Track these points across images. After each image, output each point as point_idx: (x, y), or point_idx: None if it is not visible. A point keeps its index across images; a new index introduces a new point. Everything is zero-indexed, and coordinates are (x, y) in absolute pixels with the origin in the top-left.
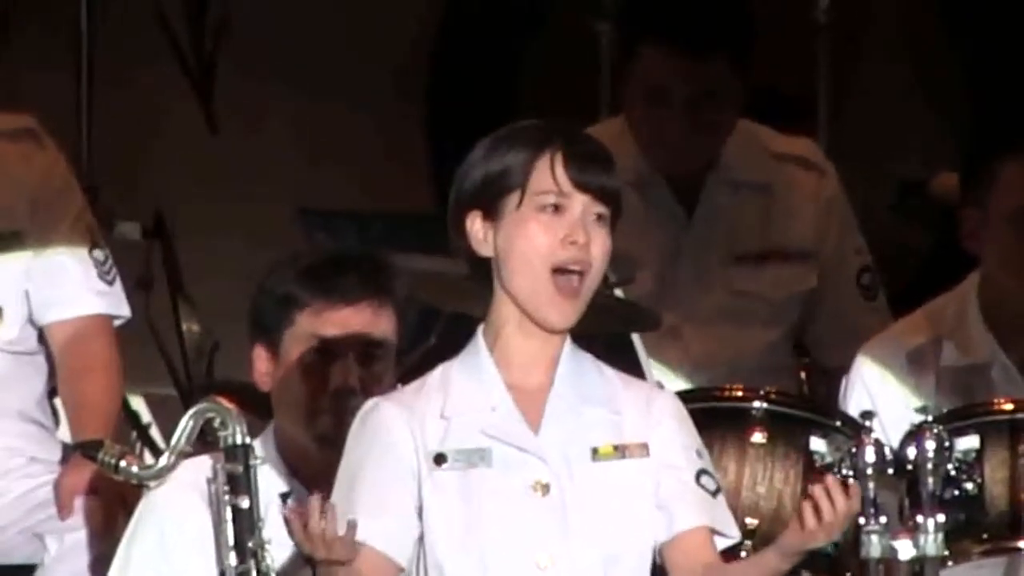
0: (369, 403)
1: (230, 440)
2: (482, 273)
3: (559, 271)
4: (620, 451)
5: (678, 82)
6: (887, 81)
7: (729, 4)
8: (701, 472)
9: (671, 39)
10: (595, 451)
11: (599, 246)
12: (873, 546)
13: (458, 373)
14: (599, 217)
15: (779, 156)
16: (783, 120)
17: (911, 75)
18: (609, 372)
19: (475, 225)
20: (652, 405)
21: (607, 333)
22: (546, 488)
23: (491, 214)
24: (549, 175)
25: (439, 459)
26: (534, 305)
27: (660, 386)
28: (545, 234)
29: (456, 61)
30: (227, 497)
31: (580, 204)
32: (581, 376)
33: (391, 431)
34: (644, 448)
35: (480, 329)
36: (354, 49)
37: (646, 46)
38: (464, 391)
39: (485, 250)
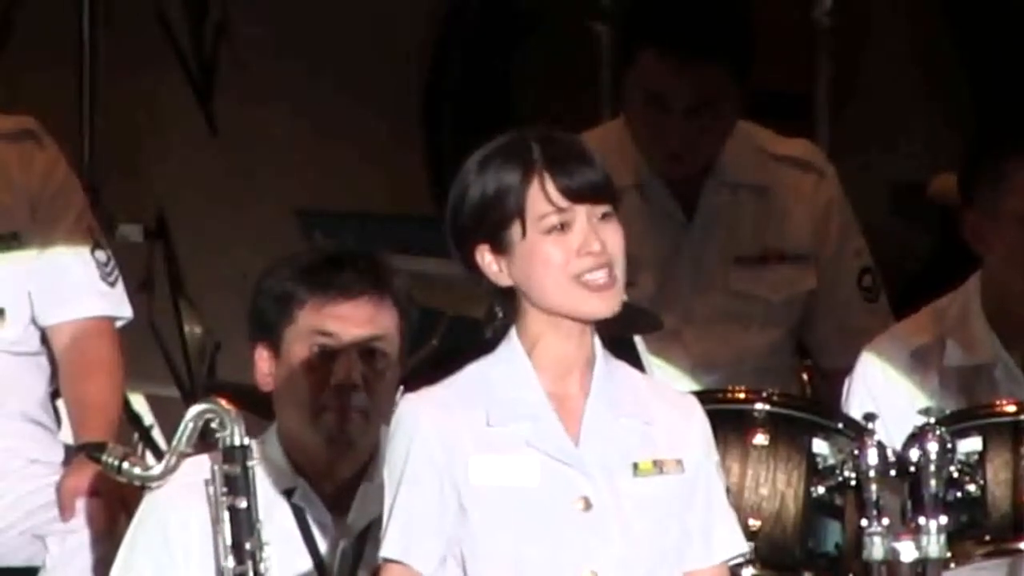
0: (403, 402)
1: (228, 441)
2: (508, 297)
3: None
4: (658, 467)
5: (677, 88)
6: (887, 81)
7: (728, 11)
8: (727, 490)
9: (670, 46)
10: (636, 466)
11: (614, 243)
12: (875, 548)
13: (496, 378)
14: (604, 216)
15: (778, 158)
16: (782, 121)
17: (912, 76)
18: (638, 377)
19: (485, 259)
20: (687, 421)
21: (608, 335)
22: (588, 502)
23: (498, 247)
24: (543, 198)
25: (480, 468)
26: (573, 309)
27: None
28: (560, 253)
29: (456, 62)
30: (225, 498)
31: (583, 212)
32: (614, 384)
33: (423, 433)
34: (679, 465)
35: (513, 332)
36: (354, 49)
37: (645, 52)
38: (505, 399)
39: (503, 281)
